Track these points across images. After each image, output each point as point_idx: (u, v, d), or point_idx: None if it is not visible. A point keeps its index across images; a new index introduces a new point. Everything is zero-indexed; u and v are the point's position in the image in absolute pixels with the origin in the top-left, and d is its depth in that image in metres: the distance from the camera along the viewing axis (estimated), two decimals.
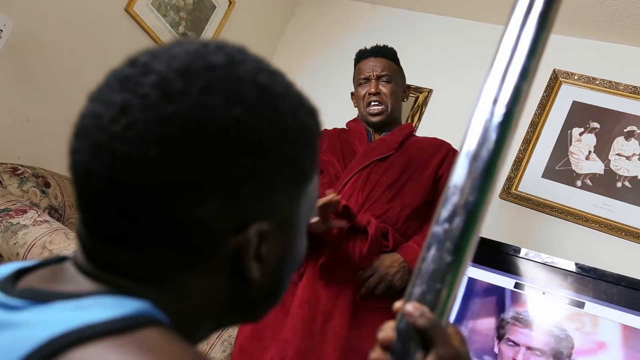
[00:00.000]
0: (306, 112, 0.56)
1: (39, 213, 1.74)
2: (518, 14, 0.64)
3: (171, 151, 0.47)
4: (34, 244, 1.64)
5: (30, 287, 0.52)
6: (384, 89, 1.97)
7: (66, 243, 1.62)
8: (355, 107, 2.08)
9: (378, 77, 1.98)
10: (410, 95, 3.02)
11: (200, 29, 2.82)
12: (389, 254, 1.73)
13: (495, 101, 0.62)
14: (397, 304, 0.59)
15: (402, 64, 3.07)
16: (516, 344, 2.00)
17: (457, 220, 0.58)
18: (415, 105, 2.99)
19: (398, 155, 1.90)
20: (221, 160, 0.48)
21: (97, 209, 0.50)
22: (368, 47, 2.14)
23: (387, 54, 2.03)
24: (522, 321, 2.05)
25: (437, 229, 0.59)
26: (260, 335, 1.71)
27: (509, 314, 2.08)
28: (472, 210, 0.58)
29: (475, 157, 0.60)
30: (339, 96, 3.17)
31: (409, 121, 2.97)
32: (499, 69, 0.63)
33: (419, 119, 2.96)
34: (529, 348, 1.98)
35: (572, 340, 1.97)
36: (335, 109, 3.14)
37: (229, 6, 2.94)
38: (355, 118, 2.14)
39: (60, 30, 2.23)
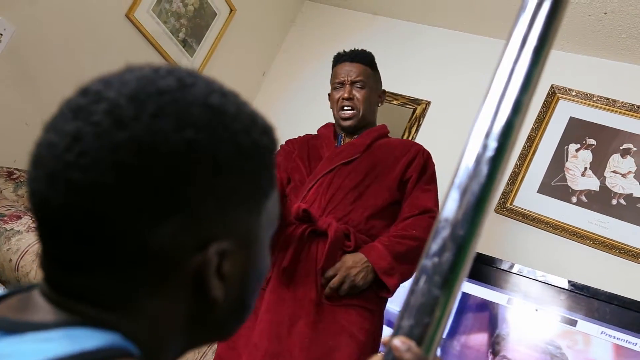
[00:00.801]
0: (260, 130, 0.56)
1: (33, 219, 1.74)
2: (512, 49, 0.64)
3: (125, 177, 0.48)
4: (27, 250, 1.64)
5: (2, 317, 0.52)
6: (357, 94, 1.99)
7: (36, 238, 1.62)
8: (331, 109, 2.11)
9: (352, 82, 2.00)
10: (408, 106, 3.03)
11: (201, 36, 2.82)
12: (351, 254, 1.75)
13: (487, 135, 0.62)
14: (386, 338, 0.59)
15: (400, 74, 3.09)
16: None
17: (446, 255, 0.58)
18: (413, 117, 2.99)
19: (364, 158, 1.93)
20: (175, 182, 0.49)
21: (56, 236, 0.51)
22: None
23: (363, 59, 2.04)
24: (518, 338, 2.05)
25: (426, 262, 0.59)
26: (234, 343, 1.75)
27: (504, 330, 2.08)
28: (462, 244, 0.58)
29: (466, 190, 0.60)
30: None
31: (407, 133, 2.98)
32: (491, 103, 0.63)
33: (417, 131, 2.96)
34: None
35: (567, 358, 1.97)
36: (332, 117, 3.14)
37: (229, 13, 2.95)
38: (327, 123, 2.18)
39: (61, 35, 2.23)
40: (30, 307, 0.53)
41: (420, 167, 1.91)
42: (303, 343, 1.67)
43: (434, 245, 0.59)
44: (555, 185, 2.62)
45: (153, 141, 0.48)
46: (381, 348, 0.65)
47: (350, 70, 2.01)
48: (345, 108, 2.00)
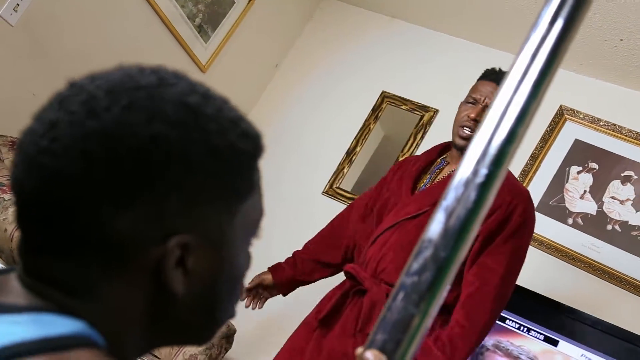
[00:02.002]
0: (240, 134, 0.57)
1: None
2: (512, 80, 0.65)
3: (91, 165, 0.50)
4: None
5: None
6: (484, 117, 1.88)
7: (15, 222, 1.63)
8: (454, 120, 1.89)
9: (486, 106, 1.77)
10: (416, 113, 3.04)
11: (217, 23, 2.84)
12: None
13: (479, 161, 0.63)
14: (359, 350, 0.61)
15: (411, 80, 3.10)
16: None
17: (426, 274, 0.60)
18: (420, 124, 3.00)
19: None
20: (140, 174, 0.51)
21: (28, 219, 0.53)
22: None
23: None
24: (502, 350, 2.07)
25: (405, 279, 0.60)
26: None
27: (489, 342, 2.09)
28: (442, 266, 0.60)
29: (452, 213, 0.62)
30: (347, 102, 3.19)
31: (412, 139, 2.99)
32: (487, 130, 0.64)
33: (422, 138, 2.97)
34: None
35: None
36: (343, 114, 3.16)
37: (248, 3, 2.96)
38: (435, 147, 2.01)
39: (77, 9, 2.25)
40: (4, 290, 0.55)
41: (496, 225, 1.67)
42: None
43: (415, 264, 0.61)
44: (553, 205, 2.63)
45: (121, 133, 0.50)
46: None
47: (491, 92, 1.79)
48: (466, 129, 1.79)
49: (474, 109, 1.80)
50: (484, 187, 0.62)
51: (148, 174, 0.51)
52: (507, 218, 1.67)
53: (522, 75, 0.66)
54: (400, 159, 2.90)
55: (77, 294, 0.53)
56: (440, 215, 0.62)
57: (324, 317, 1.79)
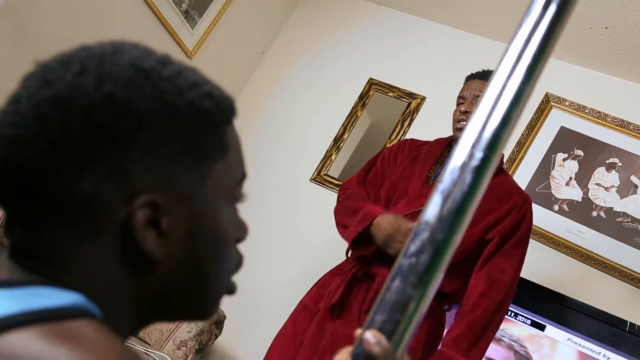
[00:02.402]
0: (202, 94, 0.57)
1: None
2: (506, 64, 0.66)
3: (46, 128, 0.52)
4: None
5: None
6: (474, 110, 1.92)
7: None
8: None
9: (475, 97, 1.92)
10: (403, 100, 3.05)
11: (204, 9, 2.82)
12: None
13: (474, 145, 0.64)
14: (358, 331, 0.61)
15: (399, 67, 3.10)
16: None
17: (423, 256, 0.61)
18: (407, 111, 3.01)
19: None
20: (94, 135, 0.52)
21: (2, 194, 0.55)
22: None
23: (488, 77, 1.97)
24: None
25: (403, 261, 0.61)
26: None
27: None
28: (439, 248, 0.61)
29: (448, 196, 0.63)
30: (334, 89, 3.19)
31: (399, 126, 3.00)
32: (482, 114, 0.65)
33: (409, 125, 2.98)
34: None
35: (531, 356, 2.02)
36: (330, 101, 3.16)
37: None
38: (442, 138, 2.12)
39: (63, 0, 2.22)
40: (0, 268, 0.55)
41: (510, 228, 1.80)
42: None
43: (412, 246, 0.62)
44: (539, 191, 2.66)
45: (72, 96, 0.52)
46: None
47: (475, 88, 1.94)
48: (461, 122, 1.92)
49: (464, 105, 1.93)
50: (480, 170, 0.63)
51: (102, 133, 0.52)
52: (520, 221, 1.81)
53: (515, 60, 0.67)
54: (388, 145, 2.91)
55: (56, 263, 0.54)
56: (437, 198, 0.63)
57: (336, 303, 1.81)
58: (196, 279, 0.60)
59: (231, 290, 0.65)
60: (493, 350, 2.04)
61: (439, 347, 1.76)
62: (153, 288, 0.57)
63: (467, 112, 1.90)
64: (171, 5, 2.64)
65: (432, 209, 0.63)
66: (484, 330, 1.70)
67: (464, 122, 1.89)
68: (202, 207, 0.58)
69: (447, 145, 2.04)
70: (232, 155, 0.61)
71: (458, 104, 1.98)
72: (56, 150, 0.51)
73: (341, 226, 1.94)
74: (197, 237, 0.58)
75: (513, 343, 2.04)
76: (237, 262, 0.65)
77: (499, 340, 2.06)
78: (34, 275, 0.53)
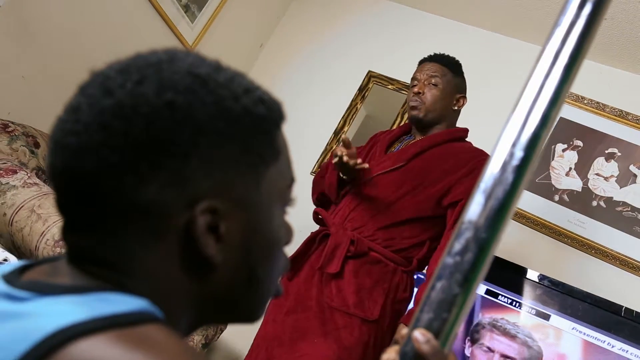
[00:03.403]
0: (255, 99, 0.58)
1: (29, 175, 1.74)
2: (544, 64, 0.67)
3: (110, 137, 0.52)
4: (23, 206, 1.64)
5: (34, 280, 0.55)
6: (428, 92, 1.98)
7: (55, 208, 1.62)
8: None
9: (425, 79, 2.00)
10: (403, 92, 3.06)
11: (203, 3, 2.80)
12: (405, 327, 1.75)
13: (514, 144, 0.65)
14: (404, 330, 0.62)
15: (398, 59, 3.11)
16: (491, 350, 2.07)
17: (468, 255, 0.62)
18: (406, 103, 3.02)
19: (408, 167, 1.91)
20: (156, 141, 0.53)
21: (63, 201, 0.56)
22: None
23: (442, 59, 2.04)
24: (499, 328, 2.12)
25: (449, 260, 0.62)
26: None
27: (485, 319, 2.14)
28: (484, 246, 0.62)
29: (490, 195, 0.63)
30: (333, 82, 3.19)
31: (399, 118, 3.01)
32: (521, 114, 0.66)
33: (403, 114, 2.99)
34: (502, 356, 2.05)
35: (542, 351, 2.04)
36: (330, 94, 3.16)
37: None
38: (409, 122, 2.17)
39: None
40: (60, 273, 0.56)
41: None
42: (292, 334, 1.77)
43: (457, 245, 0.63)
44: (539, 182, 2.68)
45: (134, 104, 0.52)
46: None
47: (428, 69, 2.02)
48: (412, 102, 2.00)
49: (416, 87, 2.01)
50: (521, 169, 0.64)
51: (164, 140, 0.53)
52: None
53: (553, 60, 0.67)
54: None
55: (119, 268, 0.54)
56: (479, 197, 0.64)
57: (291, 261, 1.87)
58: (250, 282, 0.61)
59: (278, 292, 0.66)
60: (508, 346, 2.06)
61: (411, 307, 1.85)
62: (210, 291, 0.58)
63: (419, 93, 1.98)
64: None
65: (475, 209, 0.63)
66: None
67: (417, 102, 1.98)
68: (257, 212, 0.59)
69: (410, 128, 2.12)
70: (283, 159, 0.62)
71: (412, 86, 2.04)
72: (120, 158, 0.52)
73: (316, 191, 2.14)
74: (252, 241, 0.59)
75: (527, 339, 2.07)
76: (285, 264, 0.66)
77: (514, 337, 2.08)
78: (99, 281, 0.54)
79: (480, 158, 1.91)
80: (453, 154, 1.93)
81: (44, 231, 1.52)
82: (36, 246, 1.51)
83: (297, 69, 3.27)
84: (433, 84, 1.98)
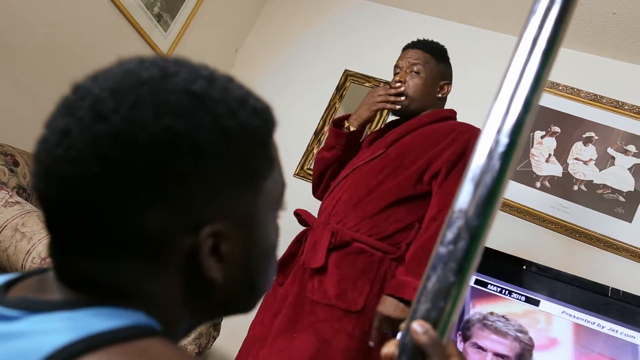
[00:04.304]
0: (250, 111, 0.57)
1: (10, 194, 1.72)
2: (522, 51, 0.68)
3: (108, 168, 0.50)
4: (6, 225, 1.62)
5: (22, 297, 0.54)
6: (410, 80, 1.94)
7: (39, 226, 1.60)
8: None
9: (408, 67, 1.95)
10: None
11: (175, 11, 2.79)
12: (389, 300, 1.71)
13: (499, 131, 0.66)
14: (403, 324, 0.63)
15: (373, 57, 3.12)
16: (483, 350, 2.08)
17: (461, 243, 0.62)
18: (389, 114, 3.03)
19: (388, 153, 1.89)
20: (157, 169, 0.51)
21: (57, 227, 0.54)
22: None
23: (425, 46, 1.99)
24: (489, 327, 2.13)
25: (442, 249, 0.63)
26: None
27: (475, 316, 2.16)
28: (476, 234, 0.63)
29: (479, 183, 0.64)
30: (310, 83, 3.19)
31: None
32: (503, 101, 0.67)
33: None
34: (495, 354, 2.07)
35: (533, 342, 2.06)
36: (308, 95, 3.16)
37: None
38: (387, 123, 2.18)
39: (36, 5, 2.18)
40: (49, 288, 0.55)
41: (456, 156, 1.81)
42: (277, 333, 1.75)
43: (449, 234, 0.63)
44: (520, 170, 2.71)
45: (132, 131, 0.50)
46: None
47: (410, 57, 1.97)
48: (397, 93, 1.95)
49: (398, 76, 1.96)
50: (507, 155, 0.65)
51: (165, 167, 0.51)
52: (463, 152, 1.81)
53: (531, 46, 0.68)
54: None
55: (117, 292, 0.53)
56: (468, 185, 0.65)
57: (280, 264, 1.87)
58: (249, 288, 0.62)
59: (269, 287, 0.67)
60: (500, 344, 2.08)
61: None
62: (210, 303, 0.59)
63: (401, 81, 1.94)
64: (143, 9, 2.61)
65: (465, 197, 0.64)
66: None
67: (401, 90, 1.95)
68: (255, 226, 0.59)
69: (386, 126, 2.11)
70: (276, 167, 0.62)
71: (394, 74, 2.01)
72: (119, 188, 0.50)
73: (323, 152, 2.08)
74: (252, 254, 0.60)
75: (518, 334, 2.08)
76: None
77: (505, 334, 2.09)
78: (92, 296, 0.53)
79: (461, 129, 1.87)
80: (433, 131, 1.89)
81: (29, 249, 1.51)
82: (22, 265, 1.50)
83: (273, 73, 3.27)
84: (415, 72, 1.93)
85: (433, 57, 1.97)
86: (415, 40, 2.03)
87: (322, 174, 2.09)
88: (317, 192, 2.13)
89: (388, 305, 1.70)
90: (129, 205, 0.51)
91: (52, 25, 2.27)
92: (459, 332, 2.14)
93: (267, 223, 0.62)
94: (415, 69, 1.93)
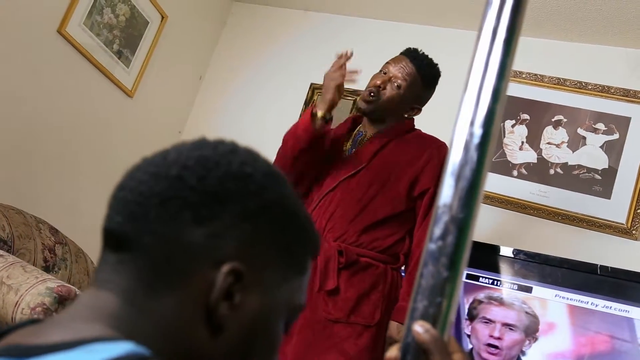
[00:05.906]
0: (310, 234, 0.67)
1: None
2: (484, 42, 0.69)
3: (188, 173, 0.58)
4: None
5: (15, 344, 0.54)
6: (388, 88, 1.91)
7: (24, 277, 1.58)
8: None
9: (391, 77, 1.92)
10: (348, 98, 3.08)
11: (135, 46, 2.78)
12: (395, 325, 1.77)
13: (472, 123, 0.67)
14: (394, 327, 0.64)
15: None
16: (491, 321, 2.11)
17: (449, 237, 0.63)
18: (354, 108, 3.05)
19: (371, 166, 1.90)
20: (225, 194, 0.58)
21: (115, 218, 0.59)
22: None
23: (421, 65, 1.94)
24: (496, 299, 2.15)
25: (431, 246, 0.63)
26: None
27: (480, 295, 2.17)
28: (463, 226, 0.63)
29: (459, 176, 0.65)
30: (278, 100, 3.20)
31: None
32: (472, 93, 0.68)
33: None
34: (504, 324, 2.09)
35: (539, 319, 2.08)
36: (277, 113, 3.17)
37: (161, 21, 2.92)
38: (348, 118, 2.14)
39: None
40: (47, 330, 0.55)
41: (438, 177, 1.81)
42: (295, 358, 1.74)
43: (437, 230, 0.64)
44: (496, 161, 2.74)
45: (218, 162, 0.60)
46: None
47: (400, 68, 1.93)
48: (371, 94, 1.92)
49: (381, 78, 1.93)
50: (483, 145, 0.65)
51: (230, 195, 0.58)
52: (440, 168, 1.83)
53: (492, 37, 0.70)
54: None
55: (133, 303, 0.55)
56: (449, 180, 0.65)
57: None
58: None
59: None
60: (507, 315, 2.10)
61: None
62: (202, 352, 0.58)
63: (379, 87, 1.91)
64: (102, 48, 2.60)
65: (447, 192, 0.65)
66: None
67: (372, 96, 1.92)
68: (271, 306, 0.61)
69: (352, 122, 2.08)
70: (304, 282, 0.66)
71: (380, 71, 1.99)
72: (187, 193, 0.58)
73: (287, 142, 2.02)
74: (257, 324, 0.60)
75: (523, 306, 2.11)
76: None
77: (512, 305, 2.12)
78: (93, 324, 0.54)
79: (434, 146, 1.95)
80: (409, 146, 1.94)
81: (17, 301, 1.48)
82: (12, 318, 1.47)
83: (240, 94, 3.27)
84: (397, 86, 1.90)
85: (422, 80, 1.94)
86: (419, 52, 1.99)
87: (296, 158, 1.96)
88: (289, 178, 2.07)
89: (392, 330, 1.77)
90: (186, 209, 0.56)
91: (10, 71, 2.25)
92: (466, 317, 2.15)
93: (279, 316, 0.63)
94: (398, 82, 1.90)
